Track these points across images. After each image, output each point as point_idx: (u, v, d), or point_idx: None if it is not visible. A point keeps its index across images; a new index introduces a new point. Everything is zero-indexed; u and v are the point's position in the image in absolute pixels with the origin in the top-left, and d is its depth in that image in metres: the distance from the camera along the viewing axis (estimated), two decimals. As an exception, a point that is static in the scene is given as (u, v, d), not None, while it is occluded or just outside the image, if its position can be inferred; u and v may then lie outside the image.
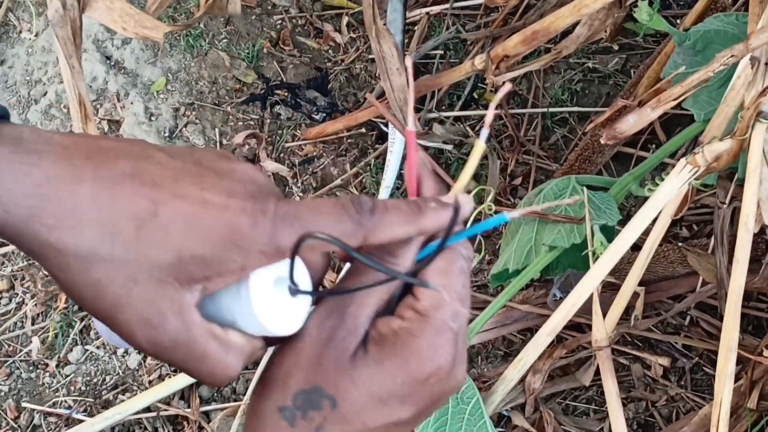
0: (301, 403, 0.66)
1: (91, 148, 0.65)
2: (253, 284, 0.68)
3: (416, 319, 0.68)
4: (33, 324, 2.33)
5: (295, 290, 0.70)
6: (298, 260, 0.70)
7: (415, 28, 2.68)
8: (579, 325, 2.17)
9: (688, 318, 2.25)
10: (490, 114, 0.74)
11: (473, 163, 0.73)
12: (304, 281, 0.71)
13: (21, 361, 2.29)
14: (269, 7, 2.80)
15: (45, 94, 2.63)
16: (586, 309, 1.74)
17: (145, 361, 2.27)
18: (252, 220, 0.64)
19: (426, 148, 2.37)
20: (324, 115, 2.61)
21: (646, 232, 1.71)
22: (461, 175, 0.73)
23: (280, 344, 0.69)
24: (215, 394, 2.22)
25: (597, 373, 2.09)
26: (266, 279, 0.69)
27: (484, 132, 0.72)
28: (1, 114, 0.66)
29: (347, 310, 0.69)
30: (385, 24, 2.04)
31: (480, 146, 0.72)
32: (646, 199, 1.65)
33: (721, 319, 1.70)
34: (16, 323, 2.34)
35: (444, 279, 0.70)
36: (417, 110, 2.55)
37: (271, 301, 0.69)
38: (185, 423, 2.19)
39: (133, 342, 0.65)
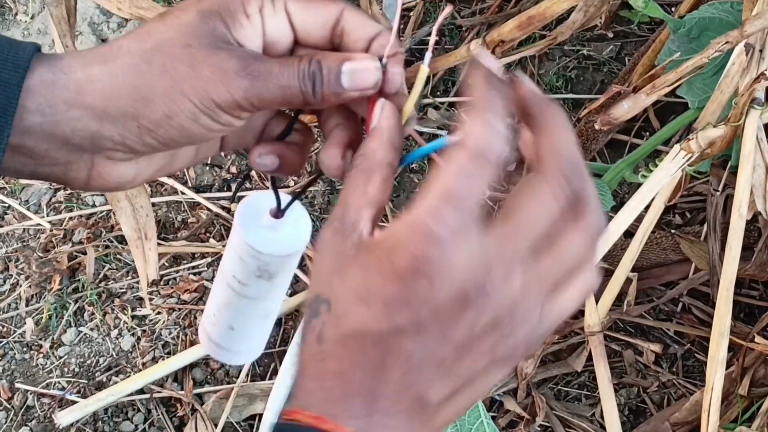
0: (308, 317, 0.66)
1: None
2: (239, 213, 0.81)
3: (399, 224, 0.66)
4: (27, 305, 2.33)
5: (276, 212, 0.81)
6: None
7: (411, 13, 2.68)
8: (571, 311, 2.18)
9: (681, 305, 2.25)
10: (433, 36, 0.78)
11: (418, 88, 0.75)
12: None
13: (15, 342, 2.29)
14: None
15: (40, 76, 2.63)
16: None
17: (138, 343, 2.28)
18: None
19: (421, 133, 2.38)
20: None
21: (639, 219, 1.72)
22: (408, 100, 0.75)
23: None
24: (208, 377, 2.23)
25: (589, 358, 2.10)
26: (251, 207, 0.82)
27: (428, 55, 0.75)
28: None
29: (345, 215, 0.68)
30: (381, 9, 2.05)
31: (424, 71, 0.75)
32: (639, 185, 1.66)
33: (713, 305, 1.71)
34: (10, 304, 2.34)
35: (438, 185, 0.66)
36: (412, 96, 2.56)
37: (257, 229, 0.80)
38: (178, 405, 2.19)
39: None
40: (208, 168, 2.48)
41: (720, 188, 1.91)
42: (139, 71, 0.72)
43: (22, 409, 2.21)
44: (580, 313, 2.01)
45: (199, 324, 0.92)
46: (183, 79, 0.71)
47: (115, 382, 2.22)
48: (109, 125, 0.72)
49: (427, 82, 2.60)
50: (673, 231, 2.15)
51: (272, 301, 0.86)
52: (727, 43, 1.52)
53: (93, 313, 2.31)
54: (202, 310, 2.28)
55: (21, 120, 0.71)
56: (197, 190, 2.44)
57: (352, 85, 0.73)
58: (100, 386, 2.22)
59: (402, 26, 2.57)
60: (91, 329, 2.30)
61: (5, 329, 2.31)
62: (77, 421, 2.16)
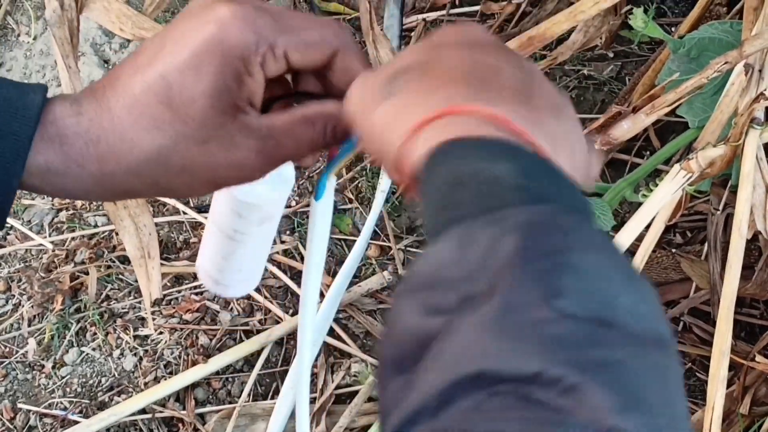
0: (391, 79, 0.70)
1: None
2: None
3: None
4: (29, 325, 2.34)
5: None
6: None
7: (412, 34, 2.70)
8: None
9: (682, 324, 2.25)
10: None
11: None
12: None
13: (17, 362, 2.30)
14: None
15: (43, 97, 2.63)
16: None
17: (140, 363, 2.28)
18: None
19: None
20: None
21: (640, 238, 1.72)
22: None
23: None
24: (210, 397, 2.23)
25: (591, 378, 2.09)
26: None
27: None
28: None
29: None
30: (382, 30, 2.05)
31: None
32: (640, 205, 1.66)
33: (714, 325, 1.71)
34: (12, 325, 2.35)
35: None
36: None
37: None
38: (180, 425, 2.19)
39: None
40: (209, 188, 2.49)
41: (720, 207, 1.92)
42: (158, 171, 0.73)
43: (25, 430, 2.21)
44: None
45: (201, 275, 0.95)
46: (202, 177, 0.74)
47: (117, 402, 2.22)
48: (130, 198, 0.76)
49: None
50: (673, 250, 2.15)
51: (265, 238, 0.90)
52: (726, 63, 1.53)
53: (95, 333, 2.31)
54: (204, 330, 2.29)
55: (40, 192, 0.74)
56: (199, 209, 2.45)
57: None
58: (102, 406, 2.23)
59: (403, 46, 2.58)
60: (93, 349, 2.31)
61: (7, 349, 2.32)
62: (79, 441, 2.16)
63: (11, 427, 2.21)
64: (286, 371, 2.19)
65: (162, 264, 2.24)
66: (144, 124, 0.72)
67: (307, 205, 2.43)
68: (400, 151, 0.64)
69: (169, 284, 2.35)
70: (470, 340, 0.51)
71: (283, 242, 2.38)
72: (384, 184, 2.33)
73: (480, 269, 0.54)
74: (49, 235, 2.45)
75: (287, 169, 0.86)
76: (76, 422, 2.19)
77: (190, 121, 0.71)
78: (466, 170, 0.59)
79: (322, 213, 0.84)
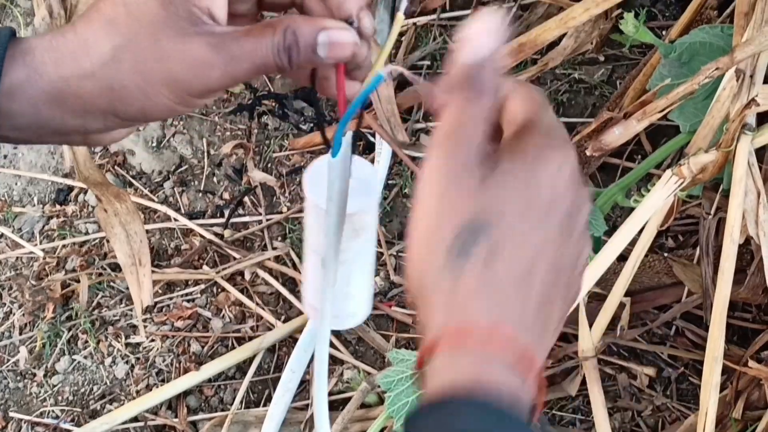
0: (461, 246, 0.65)
1: None
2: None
3: (532, 126, 0.69)
4: (20, 334, 2.33)
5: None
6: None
7: (402, 38, 2.69)
8: (565, 335, 2.18)
9: (674, 328, 2.25)
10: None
11: (394, 35, 0.76)
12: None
13: (8, 371, 2.29)
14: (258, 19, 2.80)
15: (32, 103, 2.62)
16: (572, 319, 1.75)
17: (132, 371, 2.27)
18: None
19: (413, 158, 2.37)
20: (311, 125, 2.62)
21: (632, 243, 1.72)
22: (384, 47, 0.76)
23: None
24: (203, 404, 2.23)
25: (583, 383, 2.09)
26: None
27: (404, 3, 0.79)
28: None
29: (462, 136, 0.69)
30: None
31: (400, 18, 0.77)
32: (632, 209, 1.66)
33: (706, 329, 1.71)
34: (3, 333, 2.34)
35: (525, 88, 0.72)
36: (404, 120, 2.56)
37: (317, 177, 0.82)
38: (172, 433, 2.19)
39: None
40: (200, 194, 2.48)
41: (712, 212, 1.92)
42: (111, 71, 0.73)
43: (16, 438, 2.21)
44: (573, 338, 2.02)
45: (306, 309, 0.94)
46: (155, 76, 0.73)
47: (109, 411, 2.21)
48: (92, 120, 0.75)
49: (419, 109, 2.61)
50: (666, 254, 2.15)
51: (365, 252, 0.87)
52: (717, 69, 1.53)
53: (87, 341, 2.31)
54: (196, 338, 2.28)
55: (10, 120, 0.74)
56: (190, 216, 2.44)
57: (329, 56, 0.75)
58: (94, 414, 2.22)
59: (393, 51, 2.58)
60: (85, 357, 2.30)
61: (-1, 358, 2.31)
62: (71, 450, 2.16)
63: (3, 436, 2.21)
64: (279, 378, 2.18)
65: (153, 271, 2.24)
66: (100, 24, 0.73)
67: (299, 211, 2.42)
68: (422, 352, 0.65)
69: (160, 291, 2.34)
70: None
71: (274, 248, 2.37)
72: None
73: None
74: (40, 243, 2.44)
75: (368, 175, 0.84)
76: (68, 431, 2.18)
77: (143, 17, 0.73)
78: None
79: (340, 171, 0.81)
